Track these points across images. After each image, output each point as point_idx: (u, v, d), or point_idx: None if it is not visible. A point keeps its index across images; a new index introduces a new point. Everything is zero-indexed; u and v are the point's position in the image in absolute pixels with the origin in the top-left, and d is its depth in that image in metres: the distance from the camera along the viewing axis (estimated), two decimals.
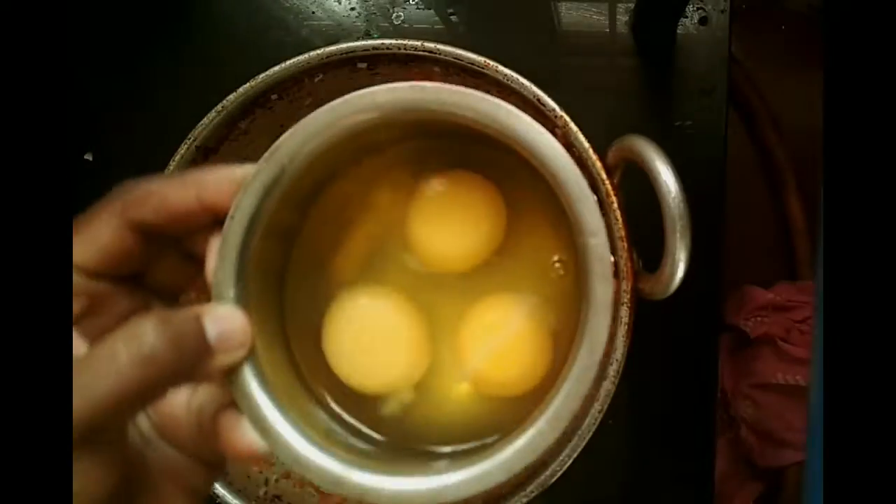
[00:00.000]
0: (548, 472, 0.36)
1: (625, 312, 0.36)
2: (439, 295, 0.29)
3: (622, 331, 0.36)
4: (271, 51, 0.50)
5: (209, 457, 0.25)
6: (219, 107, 0.39)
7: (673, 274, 0.33)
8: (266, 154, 0.24)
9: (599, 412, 0.36)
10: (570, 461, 0.36)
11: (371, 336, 0.28)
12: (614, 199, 0.36)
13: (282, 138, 0.24)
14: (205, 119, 0.39)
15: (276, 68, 0.39)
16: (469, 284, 0.29)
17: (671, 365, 0.46)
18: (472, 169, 0.29)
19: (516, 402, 0.28)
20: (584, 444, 0.36)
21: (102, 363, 0.20)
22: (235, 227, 0.24)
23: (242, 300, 0.24)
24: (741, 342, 0.78)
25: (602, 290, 0.23)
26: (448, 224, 0.29)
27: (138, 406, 0.21)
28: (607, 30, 0.49)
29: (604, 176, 0.36)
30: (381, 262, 0.29)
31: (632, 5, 0.48)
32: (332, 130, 0.24)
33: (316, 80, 0.40)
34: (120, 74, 0.50)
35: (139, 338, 0.20)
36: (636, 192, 0.35)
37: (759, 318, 0.76)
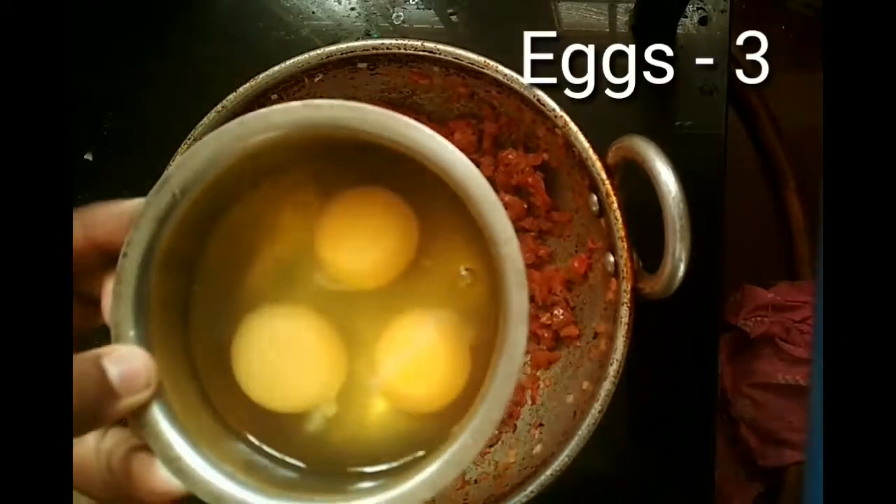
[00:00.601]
0: (548, 473, 0.36)
1: (625, 312, 0.36)
2: (354, 312, 0.29)
3: (622, 331, 0.36)
4: (271, 51, 0.50)
5: (124, 502, 0.24)
6: (219, 107, 0.39)
7: (673, 274, 0.33)
8: (156, 185, 0.23)
9: (599, 412, 0.36)
10: (570, 461, 0.36)
11: (281, 353, 0.28)
12: (614, 199, 0.36)
13: (172, 167, 0.23)
14: (205, 119, 0.39)
15: (276, 68, 0.39)
16: (384, 300, 0.29)
17: (671, 365, 0.46)
18: (381, 183, 0.28)
19: (438, 417, 0.28)
20: (584, 444, 0.36)
21: None
22: (129, 264, 0.23)
23: (144, 338, 0.23)
24: (741, 342, 0.78)
25: (518, 298, 0.23)
26: (357, 241, 0.28)
27: None
28: (607, 30, 0.49)
29: (604, 176, 0.36)
30: (290, 283, 0.28)
31: (632, 5, 0.48)
32: (225, 155, 0.23)
33: (316, 80, 0.40)
34: (120, 74, 0.50)
35: None
36: (636, 192, 0.35)
37: (759, 318, 0.76)
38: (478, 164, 0.44)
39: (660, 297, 0.34)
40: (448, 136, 0.44)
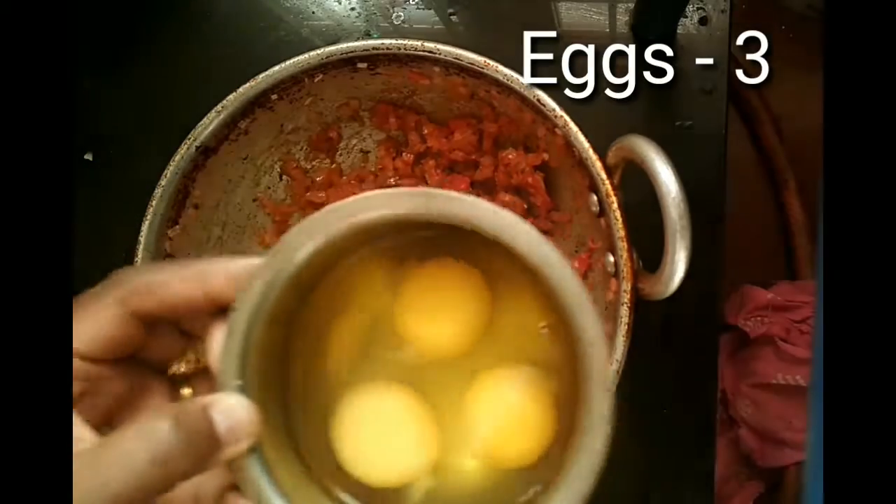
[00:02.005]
0: None
1: (625, 312, 0.36)
2: (437, 380, 0.30)
3: (622, 331, 0.36)
4: (271, 51, 0.50)
5: None
6: (219, 107, 0.39)
7: (673, 274, 0.33)
8: (273, 248, 0.24)
9: None
10: None
11: (379, 434, 0.29)
12: (614, 199, 0.36)
13: (290, 232, 0.24)
14: (205, 119, 0.39)
15: (276, 68, 0.39)
16: (465, 364, 0.30)
17: (671, 365, 0.46)
18: (453, 252, 0.29)
19: (526, 472, 0.29)
20: None
21: (117, 461, 0.20)
22: (240, 318, 0.24)
23: (246, 389, 0.25)
24: (741, 342, 0.78)
25: (601, 401, 0.23)
26: (436, 316, 0.29)
27: (149, 500, 0.22)
28: (607, 30, 0.49)
29: (604, 176, 0.36)
30: (376, 351, 0.30)
31: (632, 5, 0.48)
32: (338, 227, 0.24)
33: (316, 80, 0.40)
34: (120, 74, 0.50)
35: (155, 437, 0.21)
36: (636, 192, 0.35)
37: (759, 318, 0.76)
38: (477, 165, 0.45)
39: (660, 297, 0.34)
40: (448, 136, 0.44)
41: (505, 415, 0.29)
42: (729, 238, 0.47)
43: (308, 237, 0.24)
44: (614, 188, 0.36)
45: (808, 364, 0.72)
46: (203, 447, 0.22)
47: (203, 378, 0.27)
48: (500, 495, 0.29)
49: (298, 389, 0.29)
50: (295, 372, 0.29)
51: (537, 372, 0.29)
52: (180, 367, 0.27)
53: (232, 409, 0.24)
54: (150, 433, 0.21)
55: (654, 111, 0.48)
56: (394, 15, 0.50)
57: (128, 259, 0.39)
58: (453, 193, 0.24)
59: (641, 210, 0.34)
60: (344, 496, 0.28)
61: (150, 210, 0.39)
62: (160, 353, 0.26)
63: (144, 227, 0.39)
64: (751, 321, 0.77)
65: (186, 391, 0.27)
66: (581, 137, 0.37)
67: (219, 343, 0.24)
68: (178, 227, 0.40)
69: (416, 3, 0.50)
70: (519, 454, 0.29)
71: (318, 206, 0.46)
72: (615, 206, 0.36)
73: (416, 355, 0.30)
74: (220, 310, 0.25)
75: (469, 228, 0.24)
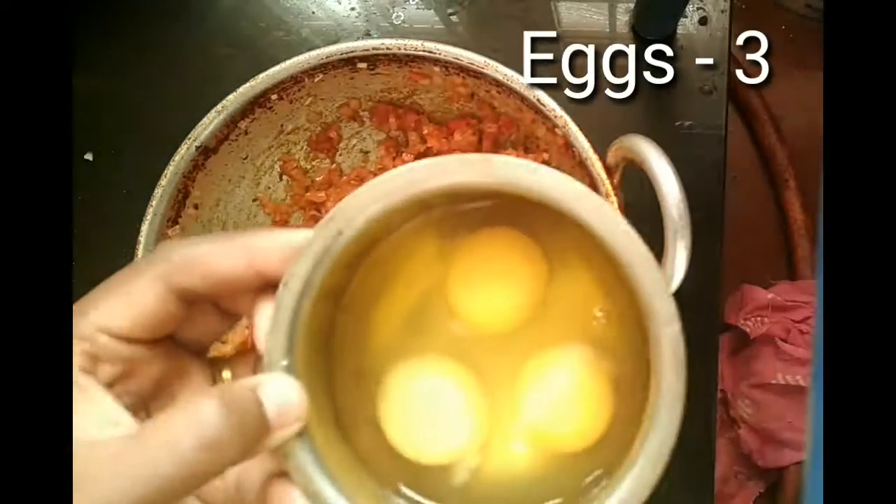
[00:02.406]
0: None
1: None
2: (489, 356, 0.29)
3: None
4: (271, 51, 0.50)
5: None
6: (219, 107, 0.39)
7: (673, 274, 0.33)
8: (324, 219, 0.23)
9: None
10: None
11: (427, 409, 0.28)
12: (614, 198, 0.36)
13: (342, 203, 0.23)
14: (205, 119, 0.39)
15: (276, 68, 0.39)
16: (517, 342, 0.28)
17: None
18: (506, 223, 0.28)
19: (581, 457, 0.28)
20: None
21: (162, 446, 0.19)
22: (289, 294, 0.23)
23: (293, 367, 0.23)
24: (741, 342, 0.78)
25: (674, 380, 0.23)
26: (490, 286, 0.28)
27: (194, 489, 0.20)
28: (607, 30, 0.49)
29: (604, 176, 0.36)
30: (426, 325, 0.29)
31: (632, 5, 0.48)
32: (393, 197, 0.23)
33: (316, 79, 0.40)
34: (120, 74, 0.50)
35: (202, 421, 0.20)
36: (636, 192, 0.35)
37: (759, 318, 0.76)
38: None
39: None
40: (448, 136, 0.44)
41: (560, 395, 0.28)
42: (729, 238, 0.47)
43: (359, 208, 0.23)
44: (614, 188, 0.36)
45: (808, 364, 0.72)
46: (253, 431, 0.21)
47: (243, 361, 0.26)
48: (553, 479, 0.28)
49: (345, 366, 0.27)
50: (341, 348, 0.27)
51: (594, 352, 0.28)
52: (220, 349, 0.25)
53: (281, 391, 0.22)
54: (197, 416, 0.20)
55: (654, 111, 0.48)
56: (394, 15, 0.50)
57: (128, 259, 0.39)
58: (517, 160, 0.23)
59: (641, 210, 0.34)
60: (391, 478, 0.27)
61: (150, 210, 0.39)
62: (199, 334, 0.25)
63: (144, 227, 0.39)
64: (751, 321, 0.77)
65: (226, 374, 0.25)
66: (581, 137, 0.37)
67: (266, 320, 0.23)
68: (177, 227, 0.40)
69: (416, 3, 0.50)
70: (574, 436, 0.28)
71: (318, 206, 0.46)
72: (615, 206, 0.36)
73: (467, 329, 0.28)
74: (266, 285, 0.23)
75: (532, 198, 0.23)
